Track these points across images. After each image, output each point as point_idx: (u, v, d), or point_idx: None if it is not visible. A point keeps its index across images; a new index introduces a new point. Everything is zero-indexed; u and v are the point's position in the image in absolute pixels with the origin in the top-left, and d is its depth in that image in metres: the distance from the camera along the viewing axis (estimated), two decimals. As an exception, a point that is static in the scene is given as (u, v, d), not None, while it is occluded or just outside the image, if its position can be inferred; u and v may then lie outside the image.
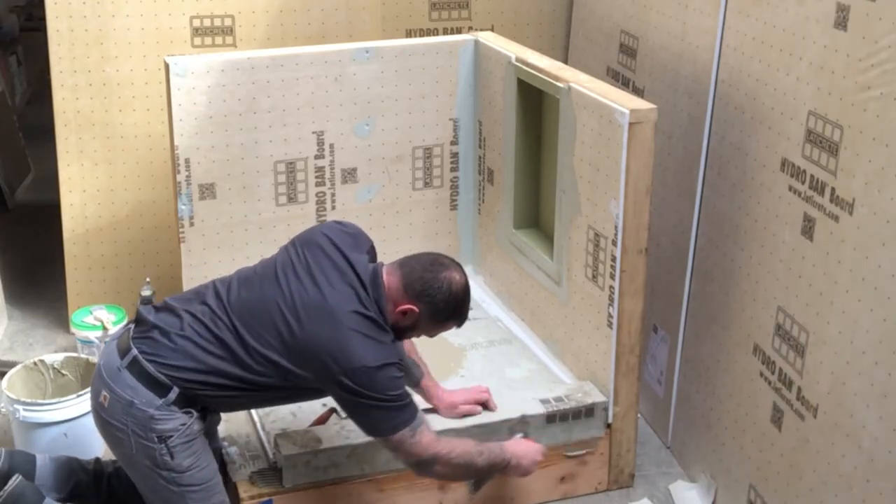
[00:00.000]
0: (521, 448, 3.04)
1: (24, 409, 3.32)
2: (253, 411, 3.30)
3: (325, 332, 2.68)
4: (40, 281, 4.73)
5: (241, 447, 3.18)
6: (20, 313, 4.54)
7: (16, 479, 2.90)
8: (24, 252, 5.05)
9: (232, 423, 3.28)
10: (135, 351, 2.72)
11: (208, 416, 2.85)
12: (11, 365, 3.61)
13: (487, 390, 3.27)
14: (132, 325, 2.82)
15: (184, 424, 2.72)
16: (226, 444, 3.18)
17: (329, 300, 2.71)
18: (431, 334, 2.93)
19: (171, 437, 2.71)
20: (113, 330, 3.81)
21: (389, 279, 2.80)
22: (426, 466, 2.82)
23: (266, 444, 3.17)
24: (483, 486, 3.08)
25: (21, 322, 4.48)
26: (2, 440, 3.61)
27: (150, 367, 2.70)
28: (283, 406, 3.33)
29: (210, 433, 2.96)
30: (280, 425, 3.24)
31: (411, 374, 3.15)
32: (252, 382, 2.74)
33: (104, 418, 2.76)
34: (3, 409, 3.41)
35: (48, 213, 4.59)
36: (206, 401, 2.77)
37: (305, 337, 2.68)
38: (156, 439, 2.71)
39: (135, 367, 2.71)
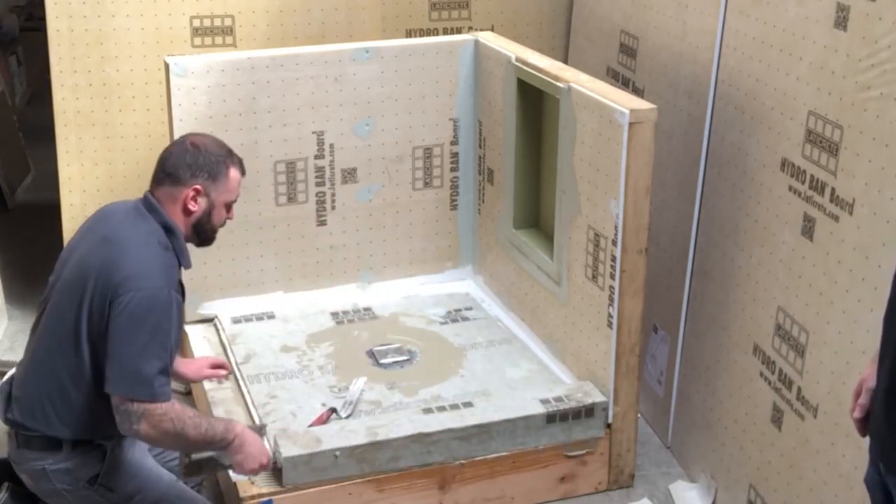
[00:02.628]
0: (250, 437, 2.73)
1: (24, 409, 3.31)
2: (253, 411, 3.30)
3: (103, 257, 2.60)
4: (40, 281, 4.69)
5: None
6: (20, 313, 4.54)
7: (5, 490, 2.89)
8: (24, 252, 5.05)
9: (232, 423, 3.29)
10: (13, 430, 2.71)
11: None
12: (11, 365, 3.59)
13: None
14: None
15: (102, 459, 2.69)
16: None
17: (112, 234, 2.65)
18: (232, 199, 2.79)
19: (98, 475, 2.68)
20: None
21: (157, 193, 2.72)
22: (132, 420, 2.55)
23: (266, 444, 3.17)
24: (200, 470, 2.80)
25: (21, 322, 4.47)
26: (2, 440, 3.61)
27: (33, 434, 2.67)
28: (284, 406, 3.33)
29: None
30: (280, 425, 3.24)
31: None
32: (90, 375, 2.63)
33: (42, 493, 2.75)
34: (3, 409, 3.41)
35: (48, 213, 4.59)
36: (90, 435, 2.68)
37: (86, 269, 2.60)
38: (86, 485, 2.68)
39: (24, 443, 2.69)
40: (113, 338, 2.54)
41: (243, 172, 2.86)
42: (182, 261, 2.73)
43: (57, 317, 2.66)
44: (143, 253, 2.61)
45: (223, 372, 3.22)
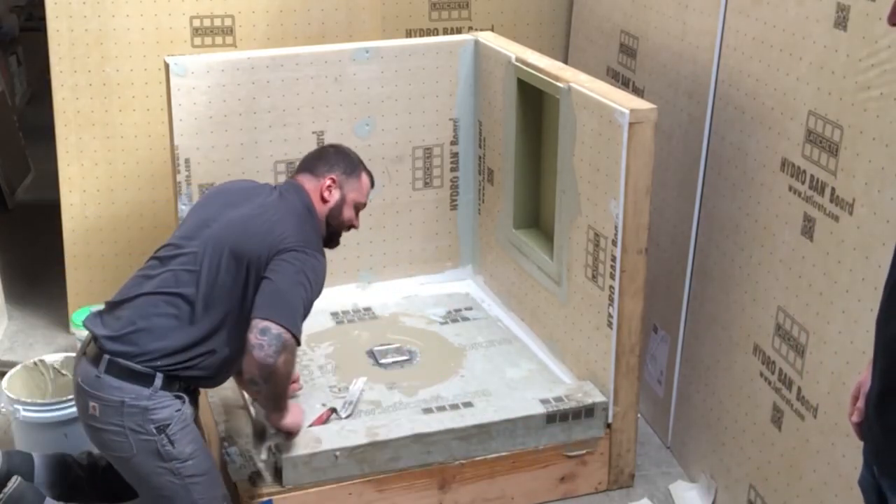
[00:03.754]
0: (294, 408, 3.04)
1: (24, 409, 3.32)
2: (253, 411, 3.30)
3: (266, 225, 2.85)
4: (40, 281, 4.73)
5: (241, 447, 3.18)
6: (20, 313, 4.54)
7: (15, 481, 2.90)
8: (24, 252, 5.05)
9: (232, 423, 3.29)
10: (107, 355, 2.74)
11: (193, 404, 2.87)
12: (11, 365, 3.61)
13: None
14: (93, 338, 2.82)
15: (178, 410, 2.76)
16: (226, 444, 3.19)
17: (272, 206, 2.91)
18: (360, 202, 3.10)
19: (169, 424, 2.74)
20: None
21: (301, 180, 3.04)
22: (277, 347, 2.69)
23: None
24: (263, 435, 3.11)
25: (21, 322, 4.48)
26: (2, 440, 3.61)
27: (129, 363, 2.73)
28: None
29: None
30: (280, 425, 3.24)
31: None
32: (220, 314, 2.78)
33: (98, 427, 2.77)
34: (3, 409, 3.41)
35: (48, 213, 4.59)
36: (190, 373, 2.78)
37: (253, 228, 2.84)
38: (154, 431, 2.73)
39: (113, 369, 2.73)
40: (273, 273, 2.76)
41: (373, 184, 3.17)
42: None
43: (207, 268, 2.79)
44: (302, 224, 2.90)
45: (297, 386, 3.39)
